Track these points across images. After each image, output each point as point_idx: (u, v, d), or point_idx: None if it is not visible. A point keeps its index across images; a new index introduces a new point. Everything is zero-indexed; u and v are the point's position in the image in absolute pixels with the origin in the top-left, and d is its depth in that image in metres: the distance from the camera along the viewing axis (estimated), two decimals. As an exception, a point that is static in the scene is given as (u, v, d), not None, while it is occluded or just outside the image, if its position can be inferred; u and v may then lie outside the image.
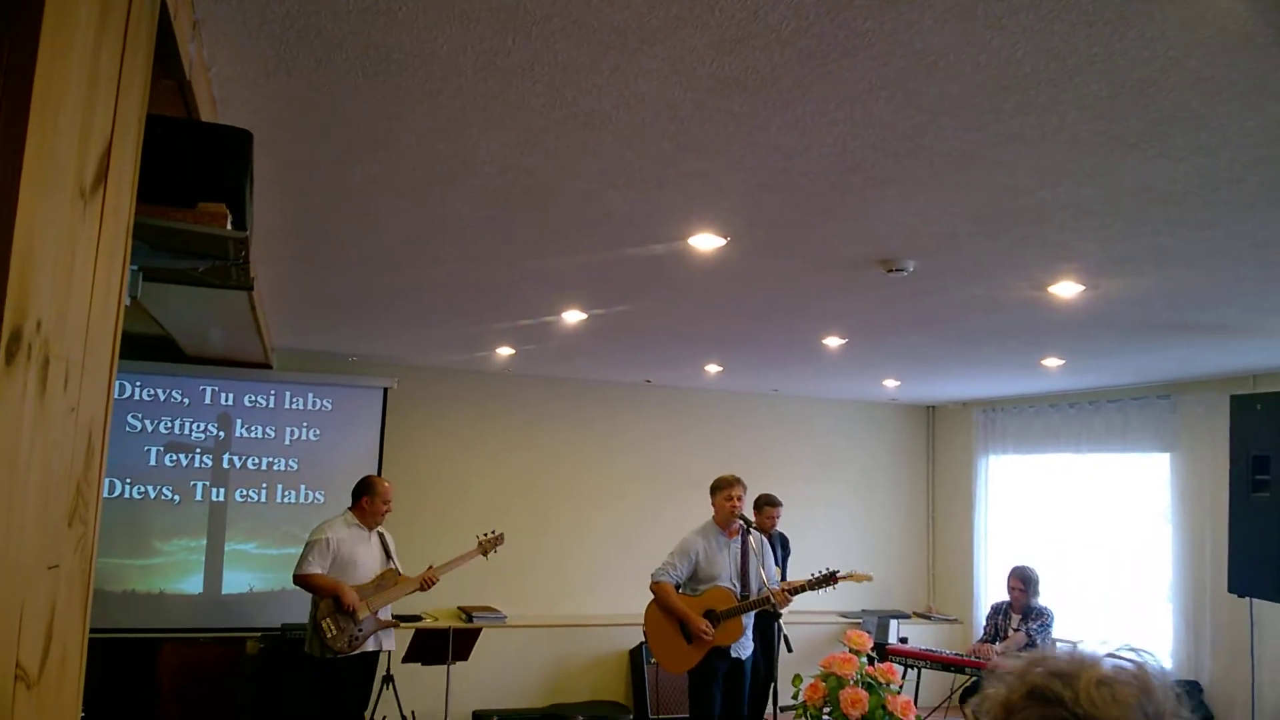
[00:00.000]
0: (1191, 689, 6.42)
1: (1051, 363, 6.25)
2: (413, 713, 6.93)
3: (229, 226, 1.70)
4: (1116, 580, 7.33)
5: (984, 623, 6.89)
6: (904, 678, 5.03)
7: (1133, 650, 0.97)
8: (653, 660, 7.13)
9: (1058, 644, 6.68)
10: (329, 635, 5.04)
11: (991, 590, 8.23)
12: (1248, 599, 5.33)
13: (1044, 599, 6.66)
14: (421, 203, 3.26)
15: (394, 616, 5.97)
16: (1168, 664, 6.83)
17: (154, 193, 1.68)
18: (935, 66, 2.09)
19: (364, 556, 5.31)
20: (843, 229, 3.38)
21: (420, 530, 7.11)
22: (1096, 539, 7.52)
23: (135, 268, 1.77)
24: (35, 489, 1.14)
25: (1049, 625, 6.44)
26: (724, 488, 5.33)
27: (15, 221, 0.99)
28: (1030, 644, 6.33)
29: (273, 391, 7.12)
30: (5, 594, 1.07)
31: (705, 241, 3.55)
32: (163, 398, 6.81)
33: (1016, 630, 6.41)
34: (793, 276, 4.14)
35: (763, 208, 3.17)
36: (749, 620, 5.28)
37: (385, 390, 7.44)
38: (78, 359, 1.31)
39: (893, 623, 8.34)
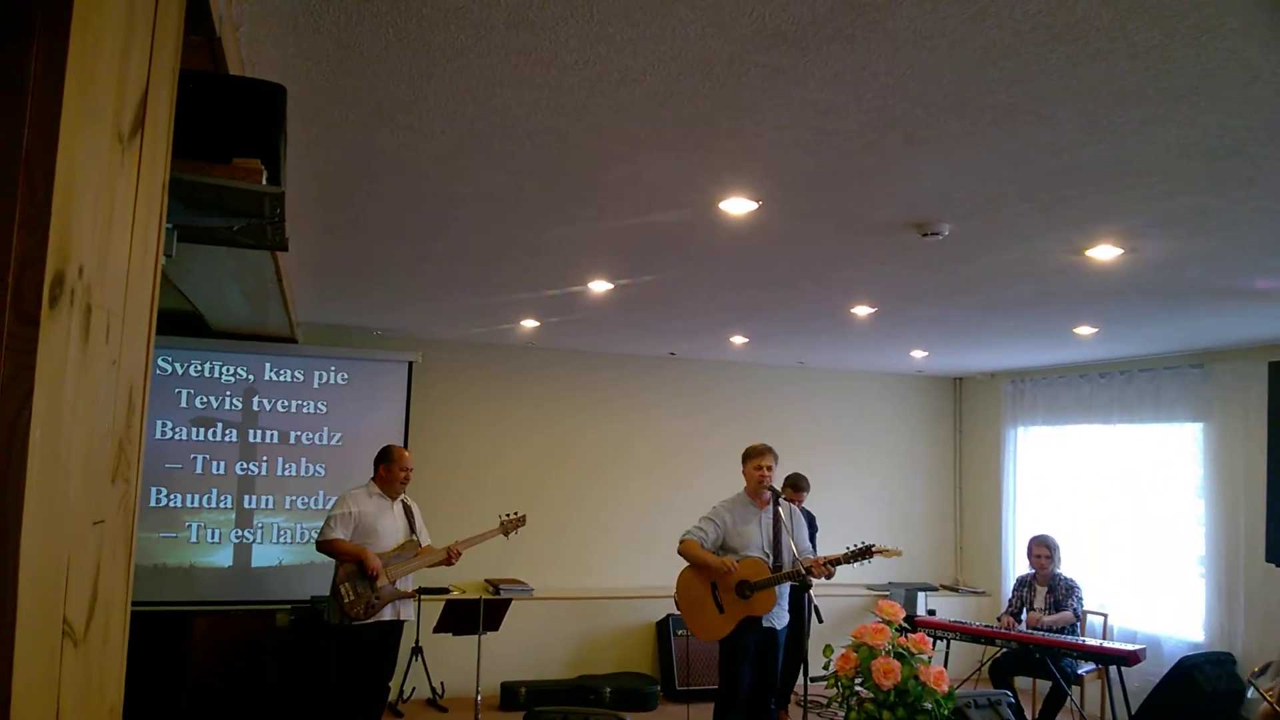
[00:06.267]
0: (1225, 660, 6.36)
1: (1084, 331, 6.15)
2: (441, 684, 6.99)
3: (264, 182, 1.66)
4: (1148, 551, 7.26)
5: (1009, 595, 6.85)
6: (933, 649, 5.00)
7: None
8: (681, 631, 7.13)
9: (1087, 615, 6.64)
10: (346, 600, 5.06)
11: (1021, 562, 8.17)
12: (1285, 568, 5.26)
13: (1071, 570, 6.63)
14: (449, 167, 3.22)
15: (421, 589, 5.98)
16: (1201, 635, 6.77)
17: (189, 148, 1.65)
18: (984, 14, 2.02)
19: (386, 526, 5.33)
20: (878, 190, 3.32)
21: (447, 504, 7.13)
22: (1127, 510, 7.44)
23: (170, 226, 1.74)
24: (80, 439, 1.12)
25: (1081, 596, 6.42)
26: (754, 456, 5.29)
27: (57, 157, 0.95)
28: (1075, 620, 6.30)
29: (299, 365, 7.13)
30: (52, 546, 1.05)
31: (737, 205, 3.49)
32: (193, 372, 6.85)
33: (1049, 610, 6.37)
34: (825, 241, 4.08)
35: (797, 169, 3.11)
36: (783, 591, 5.25)
37: (410, 364, 7.44)
38: (118, 312, 1.29)
39: (920, 595, 8.31)
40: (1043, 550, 6.49)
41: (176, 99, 1.60)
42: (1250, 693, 5.84)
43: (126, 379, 1.36)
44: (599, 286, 5.19)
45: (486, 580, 7.47)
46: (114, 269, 1.26)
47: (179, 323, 6.38)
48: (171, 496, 6.75)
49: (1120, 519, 7.48)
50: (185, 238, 1.90)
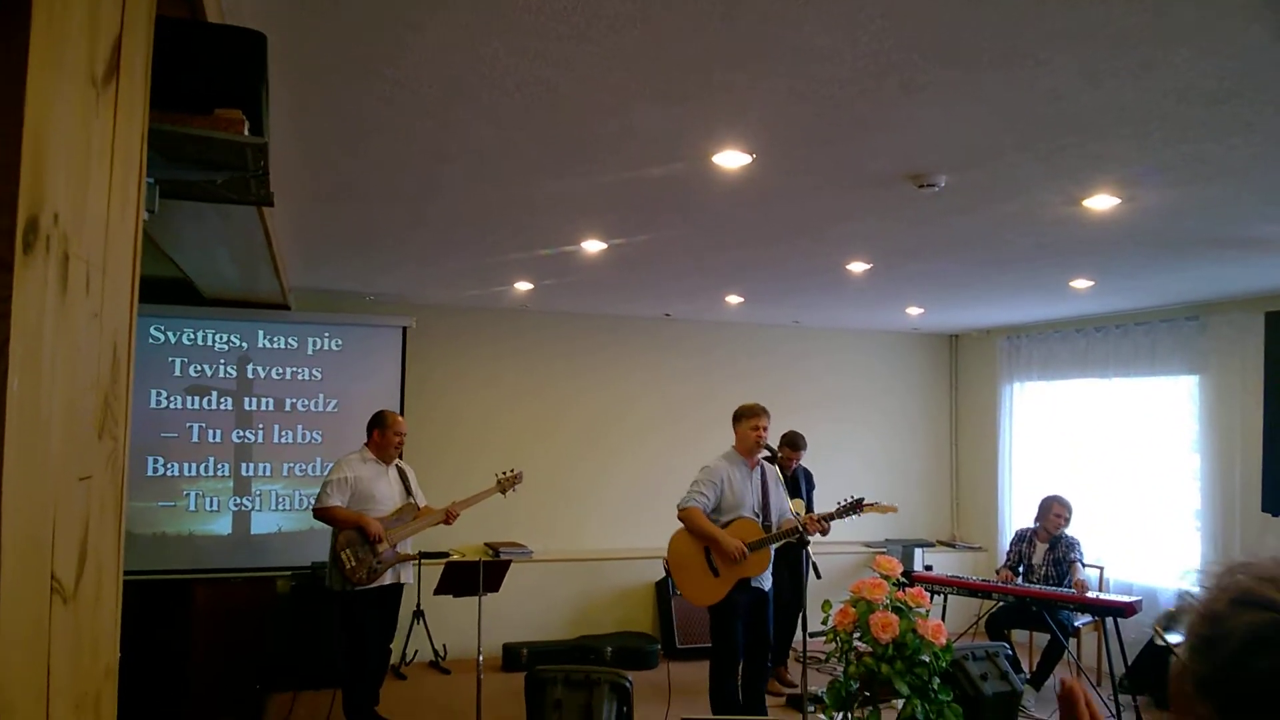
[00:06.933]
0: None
1: (1081, 284, 6.13)
2: (444, 646, 7.03)
3: (246, 133, 1.62)
4: (1143, 504, 7.29)
5: (1007, 550, 6.89)
6: (931, 603, 5.02)
7: None
8: (678, 592, 7.17)
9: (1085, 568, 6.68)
10: (348, 566, 5.08)
11: (1017, 518, 8.22)
12: (1280, 518, 5.28)
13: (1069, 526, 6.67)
14: (438, 122, 3.16)
15: (421, 554, 6.00)
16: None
17: (168, 99, 1.60)
18: (981, -49, 1.97)
19: (382, 490, 5.34)
20: (874, 141, 3.27)
21: (444, 470, 7.13)
22: (1123, 464, 7.46)
23: (152, 181, 1.70)
24: (61, 391, 1.09)
25: (1082, 552, 6.45)
26: (749, 417, 5.26)
27: (25, 97, 0.92)
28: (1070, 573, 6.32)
29: (292, 332, 7.09)
30: (36, 500, 1.03)
31: (731, 159, 3.44)
32: (186, 341, 6.80)
33: (1046, 566, 6.40)
34: (820, 195, 4.03)
35: (792, 119, 3.06)
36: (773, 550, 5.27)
37: (404, 329, 7.40)
38: (98, 263, 1.25)
39: (917, 551, 8.35)
40: (1063, 511, 6.50)
41: (154, 48, 1.55)
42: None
43: (110, 332, 1.33)
44: (593, 246, 5.14)
45: (486, 543, 7.49)
46: (92, 219, 1.22)
47: (169, 290, 6.32)
48: (169, 465, 6.73)
49: (1116, 472, 7.50)
50: (168, 194, 1.86)
